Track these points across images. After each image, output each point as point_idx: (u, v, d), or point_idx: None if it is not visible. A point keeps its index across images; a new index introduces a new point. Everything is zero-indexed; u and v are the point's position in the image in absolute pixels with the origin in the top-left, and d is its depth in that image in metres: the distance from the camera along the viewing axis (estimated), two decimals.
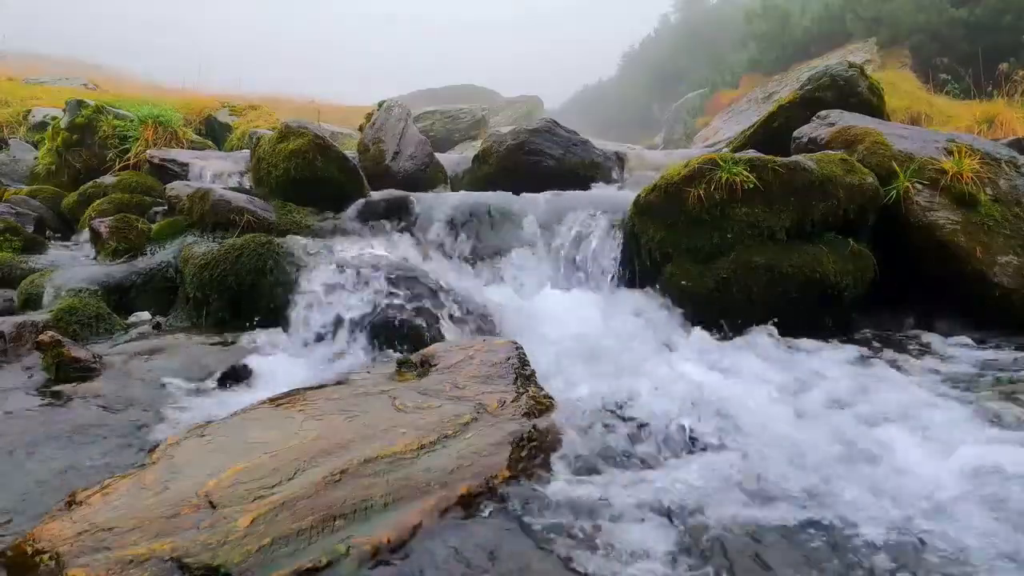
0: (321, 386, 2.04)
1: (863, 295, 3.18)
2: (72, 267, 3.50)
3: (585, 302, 3.18)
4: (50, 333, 2.46)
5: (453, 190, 5.00)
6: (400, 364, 2.18)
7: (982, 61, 9.53)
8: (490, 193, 4.10)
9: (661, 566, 1.26)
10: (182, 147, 6.52)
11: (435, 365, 2.14)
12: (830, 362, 2.66)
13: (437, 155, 5.61)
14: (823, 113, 4.13)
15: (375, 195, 4.12)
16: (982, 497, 1.50)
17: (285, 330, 2.88)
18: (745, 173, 3.06)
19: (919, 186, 3.35)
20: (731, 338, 2.96)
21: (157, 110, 6.71)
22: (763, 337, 2.95)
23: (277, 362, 2.60)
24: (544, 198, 3.92)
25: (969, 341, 2.94)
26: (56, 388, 2.27)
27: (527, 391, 1.89)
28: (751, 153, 3.51)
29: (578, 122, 7.90)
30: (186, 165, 5.51)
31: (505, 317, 2.96)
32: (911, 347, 2.92)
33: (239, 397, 2.26)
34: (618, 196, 3.94)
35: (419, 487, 1.40)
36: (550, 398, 1.91)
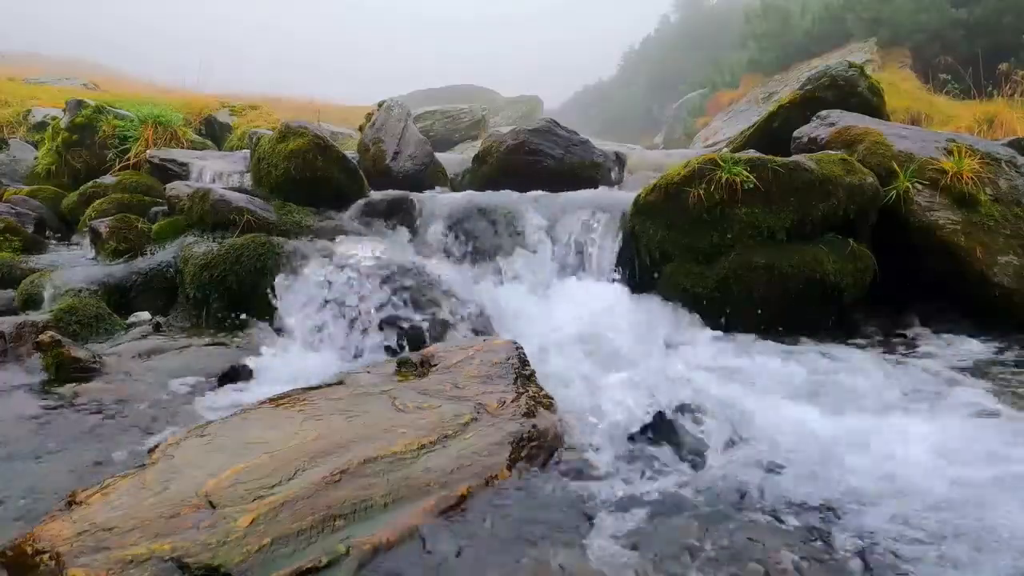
0: (321, 386, 2.03)
1: (863, 295, 3.18)
2: (72, 267, 3.50)
3: (585, 302, 3.17)
4: (50, 333, 2.46)
5: (453, 190, 5.00)
6: (400, 364, 2.18)
7: (982, 61, 9.51)
8: (490, 193, 4.10)
9: (661, 565, 1.26)
10: (182, 147, 6.52)
11: (435, 365, 2.14)
12: (830, 361, 2.66)
13: (437, 155, 5.60)
14: (823, 113, 4.13)
15: (375, 195, 4.12)
16: (979, 494, 1.51)
17: (285, 330, 2.88)
18: (745, 173, 3.06)
19: (919, 186, 3.35)
20: (731, 338, 2.96)
21: (157, 110, 6.71)
22: (763, 336, 2.96)
23: (277, 362, 2.60)
24: (544, 198, 3.91)
25: (969, 341, 2.94)
26: (56, 388, 2.27)
27: (527, 391, 1.89)
28: (751, 153, 3.50)
29: (578, 122, 7.92)
30: (186, 165, 5.51)
31: (505, 317, 2.96)
32: (911, 347, 2.92)
33: (239, 397, 2.26)
34: (618, 196, 3.93)
35: (419, 487, 1.40)
36: (550, 398, 1.91)
